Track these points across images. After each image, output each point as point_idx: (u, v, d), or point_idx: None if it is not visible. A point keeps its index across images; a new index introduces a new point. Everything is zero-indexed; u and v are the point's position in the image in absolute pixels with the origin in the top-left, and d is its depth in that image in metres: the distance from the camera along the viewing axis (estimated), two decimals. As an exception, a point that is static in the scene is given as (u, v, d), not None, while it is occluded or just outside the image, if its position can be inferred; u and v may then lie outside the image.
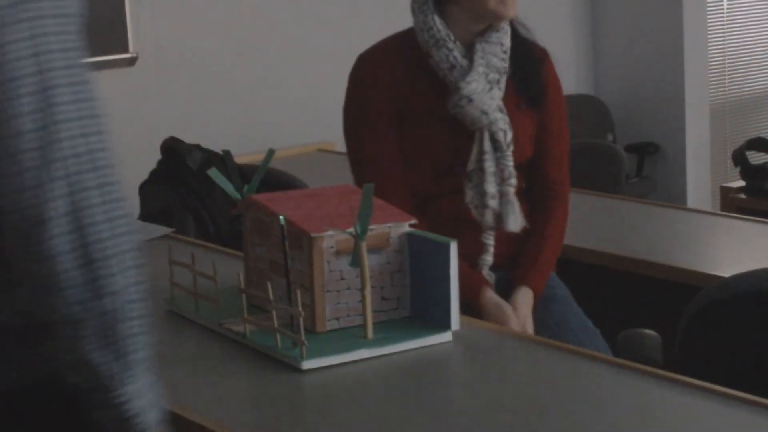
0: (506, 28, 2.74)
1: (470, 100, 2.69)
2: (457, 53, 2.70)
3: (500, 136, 2.72)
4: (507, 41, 2.74)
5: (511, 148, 2.73)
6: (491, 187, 2.72)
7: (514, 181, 2.74)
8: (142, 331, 1.39)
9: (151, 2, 4.83)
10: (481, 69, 2.70)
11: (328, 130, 4.74)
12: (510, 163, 2.73)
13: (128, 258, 1.37)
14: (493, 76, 2.71)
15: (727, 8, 6.24)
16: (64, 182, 1.32)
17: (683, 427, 1.84)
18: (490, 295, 2.68)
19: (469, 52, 2.72)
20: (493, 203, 2.73)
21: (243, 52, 5.01)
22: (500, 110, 2.73)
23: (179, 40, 4.90)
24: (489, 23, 2.71)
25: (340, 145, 2.89)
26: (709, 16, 6.07)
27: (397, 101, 2.73)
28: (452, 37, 2.71)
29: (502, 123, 2.72)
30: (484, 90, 2.69)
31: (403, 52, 2.76)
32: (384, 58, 2.77)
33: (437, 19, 2.71)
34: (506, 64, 2.73)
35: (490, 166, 2.72)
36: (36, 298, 1.36)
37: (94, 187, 1.34)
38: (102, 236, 1.34)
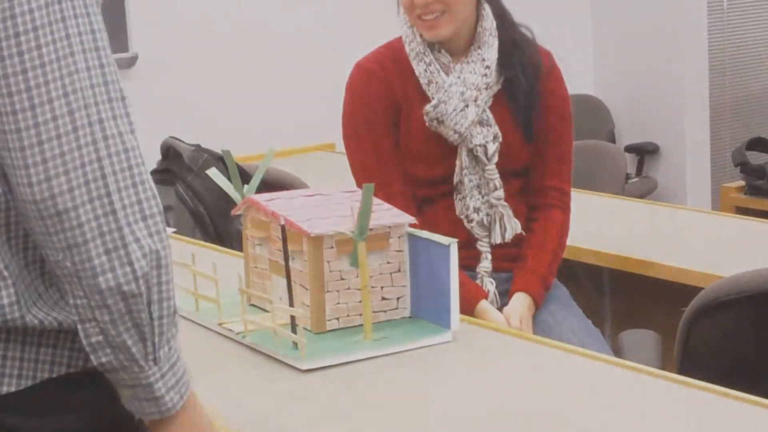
0: (490, 41, 2.70)
1: (440, 122, 2.68)
2: (435, 68, 2.69)
3: (478, 151, 2.70)
4: (490, 54, 2.70)
5: (495, 159, 2.71)
6: (473, 201, 2.71)
7: (500, 193, 2.72)
8: (170, 313, 1.40)
9: (151, 2, 4.83)
10: (454, 89, 2.68)
11: (328, 130, 4.73)
12: (495, 175, 2.71)
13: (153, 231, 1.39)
14: (470, 93, 2.68)
15: (727, 8, 6.23)
16: (90, 168, 1.33)
17: (683, 427, 1.84)
18: (485, 307, 2.67)
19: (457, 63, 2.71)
20: (477, 216, 2.72)
21: (243, 52, 5.01)
22: (481, 123, 2.70)
23: (179, 40, 4.90)
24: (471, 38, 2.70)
25: (341, 145, 2.88)
26: (709, 16, 6.07)
27: (394, 109, 2.73)
28: (438, 48, 2.69)
29: (480, 138, 2.70)
30: (456, 110, 2.67)
31: (398, 61, 2.75)
32: (381, 66, 2.76)
33: (417, 32, 2.70)
34: (489, 79, 2.70)
35: (471, 180, 2.71)
36: (69, 285, 1.36)
37: (120, 171, 1.35)
38: (129, 220, 1.35)
